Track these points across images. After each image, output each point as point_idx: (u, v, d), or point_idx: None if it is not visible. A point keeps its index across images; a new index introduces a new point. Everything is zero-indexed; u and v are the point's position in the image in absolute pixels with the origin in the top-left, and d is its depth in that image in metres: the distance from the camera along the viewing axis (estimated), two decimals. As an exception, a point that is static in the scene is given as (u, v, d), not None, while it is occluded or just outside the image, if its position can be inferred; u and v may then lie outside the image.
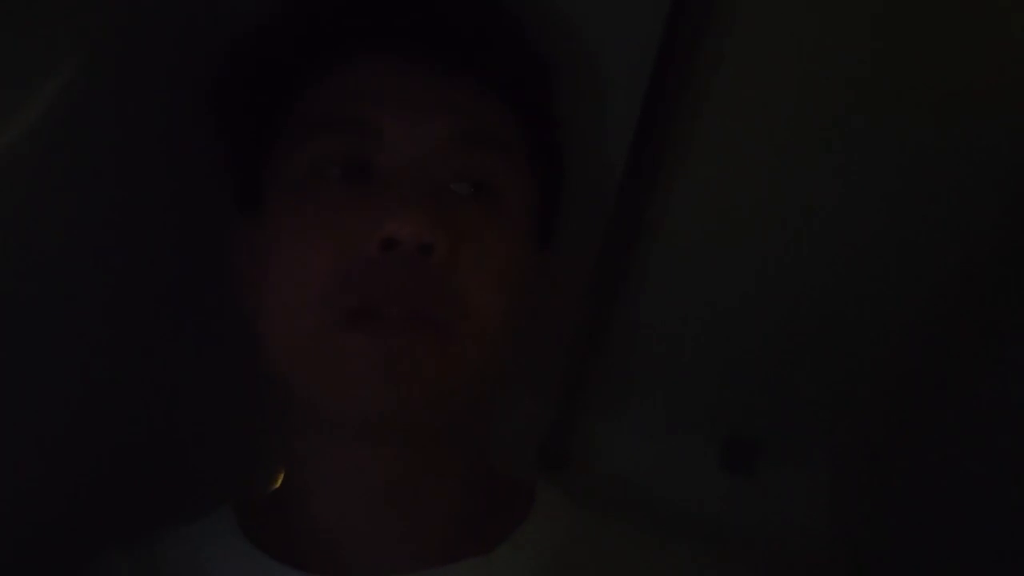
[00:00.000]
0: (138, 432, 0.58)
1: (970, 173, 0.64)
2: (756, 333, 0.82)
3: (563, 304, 0.73)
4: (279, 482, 0.53)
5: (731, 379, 0.87)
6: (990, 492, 0.72)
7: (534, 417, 0.90)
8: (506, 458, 0.55)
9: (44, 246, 0.48)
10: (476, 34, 0.48)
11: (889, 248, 0.71)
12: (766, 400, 0.87)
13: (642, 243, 0.75)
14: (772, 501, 0.91)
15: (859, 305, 0.76)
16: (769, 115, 0.63)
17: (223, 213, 0.54)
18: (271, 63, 0.50)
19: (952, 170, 0.64)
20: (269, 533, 0.48)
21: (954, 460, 0.77)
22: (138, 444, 0.58)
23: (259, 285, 0.47)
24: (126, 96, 0.50)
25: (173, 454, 0.60)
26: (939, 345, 0.76)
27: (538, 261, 0.52)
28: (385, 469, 0.46)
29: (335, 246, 0.44)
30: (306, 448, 0.48)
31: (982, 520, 0.72)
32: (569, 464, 0.93)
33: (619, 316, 0.82)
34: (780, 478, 0.91)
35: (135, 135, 0.52)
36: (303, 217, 0.45)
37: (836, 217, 0.70)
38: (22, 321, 0.48)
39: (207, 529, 0.50)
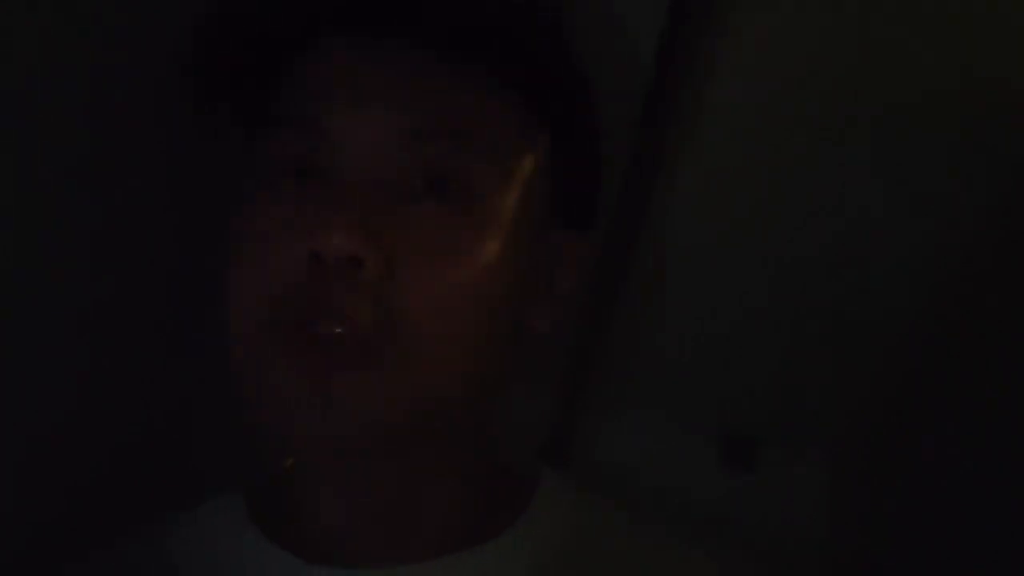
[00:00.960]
0: (144, 425, 0.58)
1: (970, 173, 0.64)
2: (756, 332, 0.82)
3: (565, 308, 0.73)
4: (285, 472, 0.52)
5: (731, 378, 0.87)
6: (990, 489, 0.72)
7: (535, 416, 0.90)
8: (507, 457, 0.55)
9: (46, 245, 0.48)
10: (448, 10, 0.42)
11: (889, 247, 0.71)
12: (766, 398, 0.88)
13: (643, 243, 0.75)
14: (772, 498, 0.91)
15: (859, 303, 0.77)
16: (769, 116, 0.63)
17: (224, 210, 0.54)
18: (238, 61, 0.46)
19: (953, 170, 0.64)
20: (276, 521, 0.48)
21: (953, 458, 0.77)
22: (144, 437, 0.58)
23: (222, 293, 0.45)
24: (128, 94, 0.50)
25: (179, 448, 0.61)
26: (938, 343, 0.76)
27: (559, 246, 0.48)
28: (370, 475, 0.46)
29: (270, 258, 0.41)
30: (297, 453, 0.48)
31: (982, 518, 0.72)
32: (570, 462, 0.93)
33: (620, 315, 0.82)
34: (780, 476, 0.91)
35: (137, 133, 0.52)
36: (250, 223, 0.43)
37: (836, 217, 0.70)
38: (29, 315, 0.48)
39: (216, 514, 0.49)
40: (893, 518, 0.84)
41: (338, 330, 0.40)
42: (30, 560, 0.49)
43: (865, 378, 0.82)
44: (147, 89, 0.52)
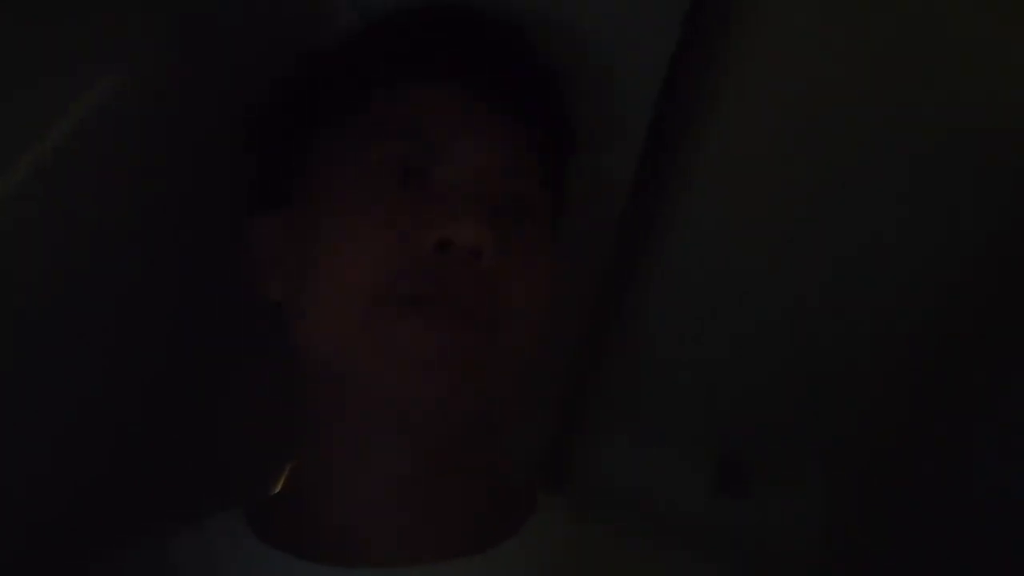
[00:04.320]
0: (147, 434, 0.58)
1: (972, 194, 0.65)
2: (752, 356, 0.82)
3: (564, 326, 0.73)
4: (288, 480, 0.54)
5: (727, 401, 0.87)
6: (984, 513, 0.72)
7: (533, 437, 0.90)
8: (508, 474, 0.56)
9: (60, 248, 0.49)
10: (528, 83, 0.54)
11: (888, 271, 0.71)
12: (763, 423, 0.88)
13: (641, 270, 0.76)
14: (767, 522, 0.91)
15: (855, 327, 0.77)
16: (778, 135, 0.63)
17: (234, 209, 0.55)
18: (342, 74, 0.54)
19: (954, 188, 0.65)
20: (277, 529, 0.50)
21: (948, 481, 0.77)
22: (147, 446, 0.58)
23: (305, 274, 0.50)
24: (146, 103, 0.51)
25: (182, 457, 0.61)
26: (934, 367, 0.77)
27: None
28: (410, 462, 0.49)
29: (393, 241, 0.47)
30: (329, 441, 0.50)
31: (976, 540, 0.73)
32: (566, 484, 0.93)
33: (618, 339, 0.82)
34: (774, 499, 0.91)
35: (152, 139, 0.52)
36: (363, 212, 0.49)
37: (837, 241, 0.71)
38: (38, 322, 0.48)
39: (216, 527, 0.51)
40: (886, 539, 0.84)
41: (462, 305, 0.47)
42: (30, 567, 0.49)
43: (861, 401, 0.82)
44: (171, 94, 0.52)
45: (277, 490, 0.55)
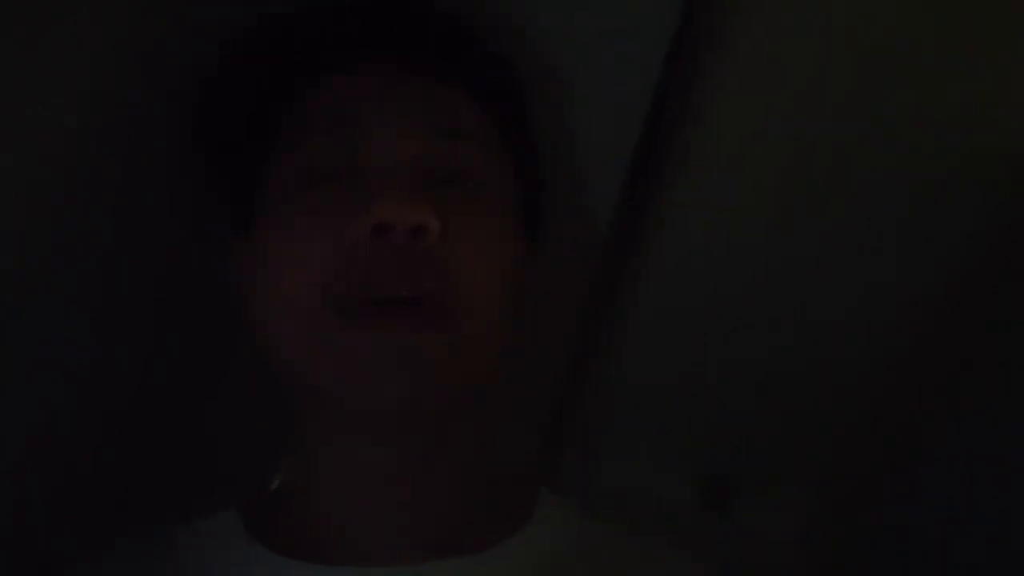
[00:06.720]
0: (143, 435, 0.58)
1: (959, 207, 0.66)
2: (737, 373, 0.83)
3: (548, 341, 0.74)
4: (282, 481, 0.54)
5: (709, 418, 0.88)
6: (966, 529, 0.73)
7: (516, 452, 0.90)
8: (506, 475, 0.55)
9: (48, 247, 0.49)
10: (443, 44, 0.52)
11: (871, 285, 0.72)
12: (744, 438, 0.88)
13: (626, 287, 0.76)
14: (748, 539, 0.91)
15: (836, 345, 0.78)
16: (772, 147, 0.64)
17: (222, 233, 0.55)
18: (249, 86, 0.52)
19: (946, 203, 0.66)
20: (272, 529, 0.50)
21: (929, 497, 0.78)
22: (142, 447, 0.58)
23: (258, 292, 0.49)
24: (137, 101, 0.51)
25: (178, 458, 0.60)
26: (916, 384, 0.77)
27: (529, 255, 0.54)
28: (394, 459, 0.48)
29: (327, 239, 0.45)
30: (315, 442, 0.50)
31: (958, 557, 0.73)
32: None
33: (601, 356, 0.83)
34: (757, 516, 0.92)
35: (141, 136, 0.53)
36: (294, 220, 0.47)
37: (819, 260, 0.72)
38: (28, 321, 0.48)
39: (212, 529, 0.51)
40: (869, 558, 0.85)
41: (406, 293, 0.44)
42: (22, 565, 0.48)
43: (843, 418, 0.83)
44: (155, 99, 0.53)
45: (273, 491, 0.54)
